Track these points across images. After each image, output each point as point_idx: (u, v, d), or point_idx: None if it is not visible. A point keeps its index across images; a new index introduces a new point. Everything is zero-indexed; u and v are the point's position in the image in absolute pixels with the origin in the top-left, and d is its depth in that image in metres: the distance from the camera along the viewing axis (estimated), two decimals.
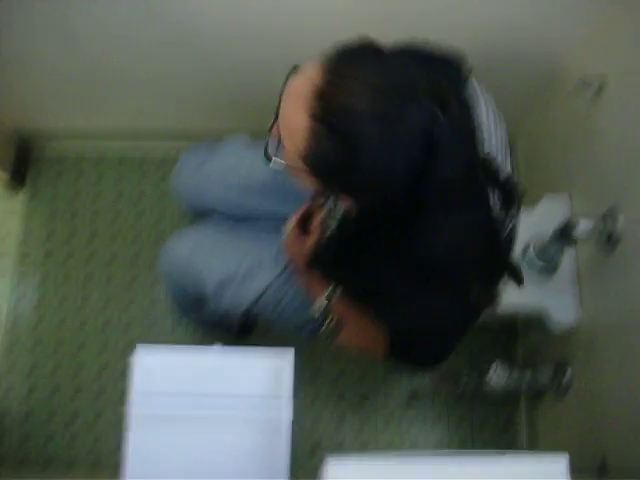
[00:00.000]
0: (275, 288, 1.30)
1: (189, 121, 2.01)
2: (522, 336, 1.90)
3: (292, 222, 1.18)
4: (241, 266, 1.31)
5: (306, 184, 0.87)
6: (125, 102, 1.91)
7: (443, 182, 0.83)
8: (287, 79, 0.82)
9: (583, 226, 1.31)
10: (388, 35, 0.95)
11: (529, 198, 1.76)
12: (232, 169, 1.39)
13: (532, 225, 1.53)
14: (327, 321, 1.28)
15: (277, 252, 1.27)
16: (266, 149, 0.87)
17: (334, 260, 1.10)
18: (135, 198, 2.11)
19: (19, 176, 2.09)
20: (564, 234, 1.36)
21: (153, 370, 0.83)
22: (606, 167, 1.40)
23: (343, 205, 0.91)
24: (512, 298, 1.49)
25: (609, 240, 1.30)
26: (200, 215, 1.50)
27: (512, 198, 0.96)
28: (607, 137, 1.40)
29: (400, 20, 1.39)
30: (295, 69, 0.83)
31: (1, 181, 2.04)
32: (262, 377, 0.86)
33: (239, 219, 1.40)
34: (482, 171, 0.91)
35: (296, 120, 0.77)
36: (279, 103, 0.83)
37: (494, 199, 0.92)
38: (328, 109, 0.74)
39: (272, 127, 0.86)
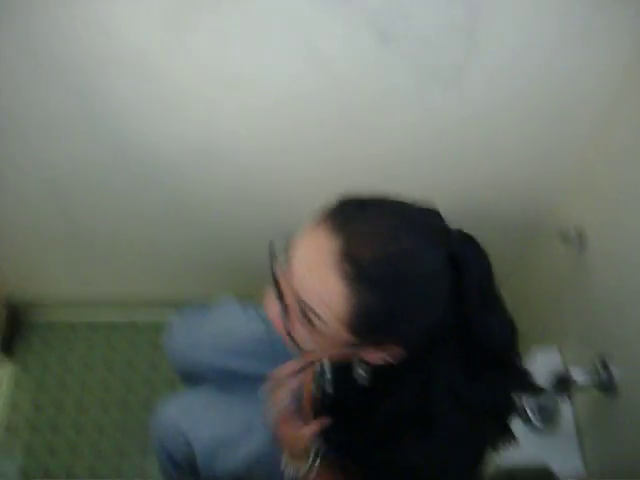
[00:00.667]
0: (267, 450, 1.26)
1: (180, 287, 2.03)
2: None
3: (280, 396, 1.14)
4: (231, 430, 1.28)
5: (335, 357, 0.86)
6: (114, 270, 1.94)
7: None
8: (271, 255, 0.83)
9: (579, 378, 1.30)
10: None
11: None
12: (223, 334, 1.40)
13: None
14: None
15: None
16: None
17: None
18: (126, 365, 2.09)
19: (8, 345, 2.08)
20: (559, 387, 1.34)
21: None
22: (594, 317, 1.41)
23: (375, 360, 0.89)
24: (513, 458, 1.46)
25: (605, 390, 1.28)
26: (191, 381, 1.48)
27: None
28: (593, 288, 1.42)
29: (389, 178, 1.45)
30: (272, 245, 0.84)
31: None
32: None
33: (229, 384, 1.39)
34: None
35: (331, 290, 0.76)
36: (277, 287, 0.83)
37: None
38: (362, 267, 0.75)
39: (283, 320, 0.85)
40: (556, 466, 1.44)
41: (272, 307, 0.86)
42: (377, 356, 0.86)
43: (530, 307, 1.83)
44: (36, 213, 1.67)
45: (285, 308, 0.84)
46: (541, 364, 1.53)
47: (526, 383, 0.96)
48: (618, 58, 1.17)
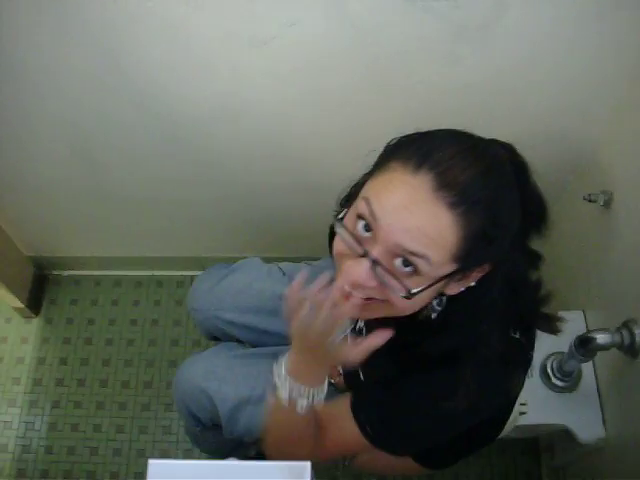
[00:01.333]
0: None
1: (204, 245, 2.05)
2: (545, 457, 1.84)
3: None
4: (254, 390, 1.28)
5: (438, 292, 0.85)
6: (140, 228, 1.96)
7: None
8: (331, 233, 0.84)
9: (601, 339, 1.30)
10: None
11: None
12: (244, 291, 1.40)
13: (548, 343, 1.52)
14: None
15: None
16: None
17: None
18: (149, 324, 2.12)
19: (35, 303, 2.12)
20: (581, 349, 1.34)
21: None
22: (619, 280, 1.41)
23: (455, 289, 0.86)
24: (533, 417, 1.47)
25: (628, 352, 1.28)
26: (214, 337, 1.50)
27: None
28: (617, 251, 1.41)
29: None
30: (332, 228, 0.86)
31: (17, 308, 2.07)
32: None
33: (252, 343, 1.40)
34: None
35: (438, 223, 0.75)
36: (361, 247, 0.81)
37: None
38: (460, 190, 0.75)
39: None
40: (576, 426, 1.45)
41: (358, 272, 0.80)
42: (461, 284, 0.85)
43: (557, 271, 1.82)
44: (62, 171, 1.68)
45: (378, 267, 0.79)
46: (565, 326, 1.53)
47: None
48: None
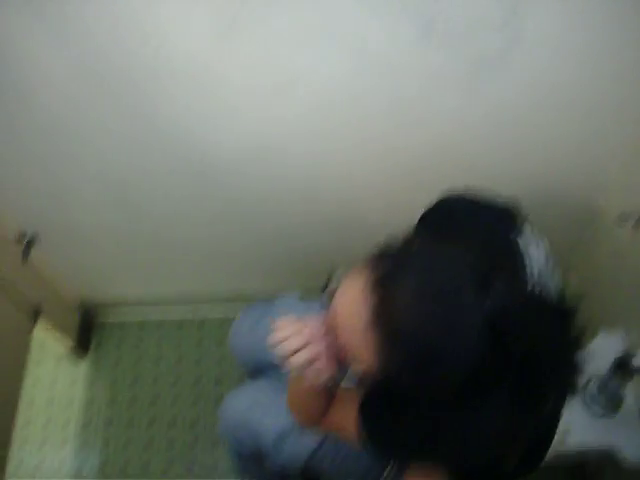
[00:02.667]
0: (331, 440, 1.30)
1: (245, 283, 2.09)
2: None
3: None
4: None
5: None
6: (181, 269, 2.01)
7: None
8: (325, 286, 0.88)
9: (638, 360, 1.29)
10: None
11: (586, 333, 1.75)
12: None
13: (588, 365, 1.51)
14: (388, 469, 1.27)
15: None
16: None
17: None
18: (194, 361, 2.16)
19: (83, 343, 2.18)
20: (622, 368, 1.34)
21: None
22: None
23: None
24: (578, 438, 1.45)
25: None
26: (256, 375, 1.53)
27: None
28: None
29: (455, 170, 1.48)
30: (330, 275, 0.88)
31: (66, 349, 2.13)
32: None
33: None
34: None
35: (363, 347, 0.79)
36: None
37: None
38: (393, 331, 0.76)
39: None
40: (622, 447, 1.43)
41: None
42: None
43: (595, 291, 1.81)
44: (105, 219, 1.75)
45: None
46: (606, 347, 1.52)
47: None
48: None
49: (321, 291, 0.90)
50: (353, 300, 0.80)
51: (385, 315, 0.76)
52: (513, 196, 1.07)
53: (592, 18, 1.12)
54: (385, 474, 1.30)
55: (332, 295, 0.85)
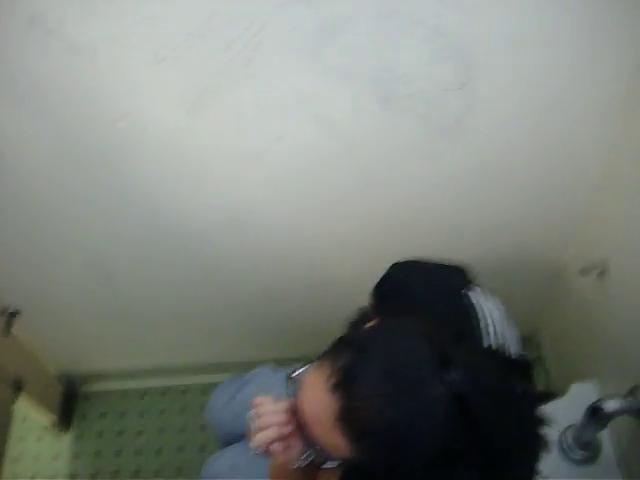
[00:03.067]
0: None
1: (224, 350, 2.11)
2: None
3: None
4: None
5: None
6: (160, 340, 2.03)
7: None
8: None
9: (610, 406, 1.31)
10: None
11: (561, 388, 1.77)
12: None
13: (564, 416, 1.53)
14: None
15: None
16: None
17: None
18: (178, 429, 2.16)
19: (66, 416, 2.17)
20: (593, 417, 1.35)
21: None
22: (624, 347, 1.43)
23: None
24: None
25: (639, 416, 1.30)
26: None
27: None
28: (617, 318, 1.44)
29: (406, 239, 1.53)
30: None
31: (49, 422, 2.11)
32: None
33: None
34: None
35: (334, 442, 0.80)
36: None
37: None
38: (360, 429, 0.77)
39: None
40: None
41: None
42: None
43: (569, 342, 1.85)
44: (82, 290, 1.77)
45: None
46: (580, 397, 1.54)
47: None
48: (617, 88, 1.21)
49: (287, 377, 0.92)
50: (317, 400, 0.82)
51: (350, 413, 0.78)
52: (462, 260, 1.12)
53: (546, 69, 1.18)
54: None
55: (294, 382, 0.89)
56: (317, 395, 0.81)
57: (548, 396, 1.02)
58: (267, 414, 0.97)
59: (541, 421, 0.99)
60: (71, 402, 2.22)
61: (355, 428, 0.77)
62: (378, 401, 0.76)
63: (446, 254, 1.17)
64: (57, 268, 1.68)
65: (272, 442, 0.94)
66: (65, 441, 2.16)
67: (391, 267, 1.11)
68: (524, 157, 1.37)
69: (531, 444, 0.94)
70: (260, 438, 0.95)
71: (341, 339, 0.87)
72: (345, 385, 0.78)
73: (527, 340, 2.04)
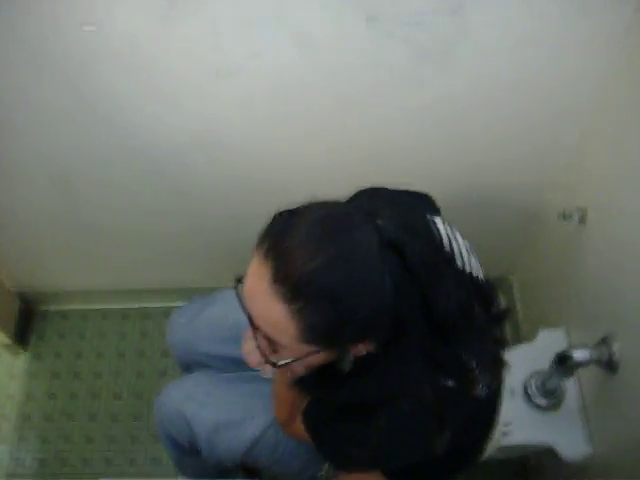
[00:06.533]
0: (268, 436, 1.29)
1: (186, 275, 2.06)
2: (535, 477, 1.81)
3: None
4: (233, 415, 1.30)
5: (317, 363, 0.87)
6: (122, 260, 1.97)
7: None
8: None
9: (578, 355, 1.30)
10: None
11: (528, 334, 1.76)
12: (219, 322, 1.41)
13: (530, 361, 1.52)
14: (325, 466, 1.26)
15: (269, 399, 1.26)
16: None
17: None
18: (138, 353, 2.12)
19: (22, 338, 2.12)
20: (561, 365, 1.34)
21: None
22: (596, 296, 1.41)
23: (354, 353, 0.89)
24: (517, 437, 1.46)
25: (607, 367, 1.28)
26: (193, 368, 1.50)
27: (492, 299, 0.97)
28: (593, 267, 1.42)
29: (382, 169, 1.46)
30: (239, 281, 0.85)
31: (4, 344, 2.07)
32: None
33: (230, 369, 1.40)
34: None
35: (275, 314, 0.77)
36: (249, 318, 0.84)
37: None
38: (294, 285, 0.75)
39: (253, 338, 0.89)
40: (561, 445, 1.44)
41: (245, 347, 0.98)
42: (353, 350, 0.86)
43: (540, 288, 1.83)
44: (43, 207, 1.69)
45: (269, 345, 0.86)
46: (547, 345, 1.53)
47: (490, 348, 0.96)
48: (617, 29, 1.15)
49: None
50: (253, 275, 0.79)
51: (282, 268, 0.75)
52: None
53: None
54: (323, 472, 1.29)
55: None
56: (253, 271, 0.79)
57: (505, 313, 1.01)
58: (248, 338, 0.97)
59: (502, 342, 0.98)
60: (29, 321, 2.17)
61: (289, 284, 0.75)
62: (306, 249, 0.75)
63: (423, 188, 1.13)
64: (19, 182, 1.60)
65: (258, 364, 0.94)
66: (22, 360, 2.12)
67: (356, 192, 1.10)
68: (512, 91, 1.30)
69: (480, 352, 0.92)
70: (248, 364, 0.97)
71: (274, 215, 0.83)
72: (276, 245, 0.77)
73: (498, 283, 2.02)
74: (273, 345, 0.84)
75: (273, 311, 0.77)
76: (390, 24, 1.13)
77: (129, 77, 1.26)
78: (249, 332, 0.88)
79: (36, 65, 1.23)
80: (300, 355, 0.83)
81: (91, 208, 1.70)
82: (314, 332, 0.78)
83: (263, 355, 0.87)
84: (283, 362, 0.85)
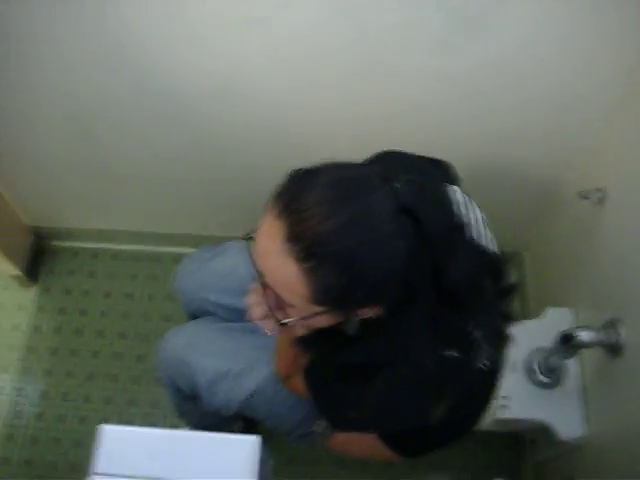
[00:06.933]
0: (267, 388, 1.29)
1: (199, 223, 2.06)
2: (529, 452, 1.83)
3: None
4: (234, 365, 1.31)
5: (323, 324, 0.87)
6: (138, 203, 1.97)
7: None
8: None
9: (583, 336, 1.30)
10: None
11: (537, 311, 1.75)
12: (228, 273, 1.41)
13: (535, 338, 1.52)
14: (316, 424, 1.27)
15: (271, 353, 1.26)
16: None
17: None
18: (145, 297, 2.14)
19: (33, 272, 2.14)
20: (565, 344, 1.33)
21: (117, 451, 0.81)
22: (608, 278, 1.40)
23: (362, 316, 0.89)
24: (514, 412, 1.47)
25: (612, 350, 1.28)
26: (199, 314, 1.51)
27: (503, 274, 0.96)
28: (608, 249, 1.40)
29: (403, 132, 1.44)
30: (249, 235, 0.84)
31: (15, 276, 2.09)
32: (228, 464, 0.84)
33: (234, 320, 1.41)
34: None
35: (286, 273, 0.77)
36: (259, 275, 0.83)
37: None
38: (308, 244, 0.74)
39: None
40: (557, 423, 1.44)
41: (251, 299, 0.95)
42: (361, 313, 0.86)
43: (552, 266, 1.82)
44: (60, 145, 1.69)
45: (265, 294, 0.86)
46: (554, 322, 1.53)
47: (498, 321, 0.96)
48: None
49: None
50: (267, 229, 0.78)
51: (296, 227, 0.75)
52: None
53: None
54: (319, 427, 1.31)
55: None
56: (266, 229, 0.78)
57: (514, 288, 1.00)
58: (253, 292, 0.96)
59: (508, 317, 0.97)
60: (40, 255, 2.18)
61: (303, 243, 0.74)
62: (322, 209, 0.74)
63: (445, 156, 1.11)
64: (38, 118, 1.59)
65: (263, 319, 0.93)
66: (31, 293, 2.14)
67: (375, 154, 1.09)
68: (542, 67, 1.28)
69: (486, 323, 0.91)
70: (250, 317, 0.95)
71: (289, 173, 0.82)
72: (291, 204, 0.76)
73: (510, 258, 2.01)
74: (281, 303, 0.84)
75: (285, 269, 0.76)
76: None
77: (156, 14, 1.24)
78: (256, 286, 0.88)
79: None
80: (307, 315, 0.83)
81: (106, 151, 1.70)
82: (325, 292, 0.77)
83: (269, 311, 0.87)
84: (288, 320, 0.85)
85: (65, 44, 1.33)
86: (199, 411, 1.48)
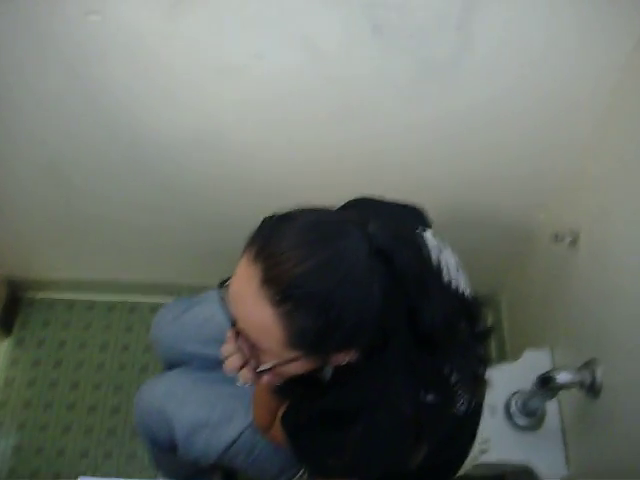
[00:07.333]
0: (246, 438, 1.28)
1: (175, 272, 2.05)
2: None
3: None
4: (212, 414, 1.29)
5: (299, 370, 0.86)
6: (112, 253, 1.96)
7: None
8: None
9: (561, 378, 1.30)
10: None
11: (514, 353, 1.76)
12: (206, 321, 1.41)
13: (513, 381, 1.53)
14: (301, 471, 1.26)
15: (249, 402, 1.25)
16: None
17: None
18: (122, 346, 2.11)
19: (7, 324, 2.11)
20: (544, 387, 1.34)
21: None
22: (584, 319, 1.41)
23: (338, 362, 0.89)
24: (495, 455, 1.46)
25: (590, 391, 1.28)
26: (176, 365, 1.49)
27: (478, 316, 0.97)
28: (583, 290, 1.42)
29: (373, 180, 1.46)
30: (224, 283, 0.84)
31: None
32: None
33: (213, 369, 1.40)
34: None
35: (262, 317, 0.77)
36: (233, 324, 0.84)
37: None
38: (284, 287, 0.74)
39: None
40: (539, 464, 1.44)
41: (229, 343, 0.92)
42: (336, 358, 0.86)
43: (528, 308, 1.83)
44: (36, 195, 1.69)
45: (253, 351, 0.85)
46: (531, 365, 1.53)
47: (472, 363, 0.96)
48: (617, 57, 1.16)
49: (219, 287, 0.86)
50: (241, 274, 0.78)
51: (271, 271, 0.75)
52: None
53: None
54: (298, 476, 1.29)
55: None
56: (241, 273, 0.78)
57: (490, 331, 1.02)
58: (228, 342, 0.94)
59: (485, 360, 0.98)
60: (15, 307, 2.15)
61: (279, 286, 0.74)
62: (297, 252, 0.75)
63: (417, 201, 1.13)
64: (10, 169, 1.59)
65: (239, 369, 0.91)
66: (4, 346, 2.10)
67: (348, 201, 1.10)
68: (512, 111, 1.31)
69: (462, 365, 0.92)
70: (226, 368, 0.93)
71: (264, 219, 0.83)
72: (266, 248, 0.77)
73: (486, 301, 2.02)
74: (255, 349, 0.83)
75: (260, 313, 0.76)
76: (395, 35, 1.13)
77: (130, 69, 1.26)
78: (231, 333, 0.88)
79: (39, 49, 1.23)
80: (282, 361, 0.82)
81: (82, 197, 1.69)
82: (301, 336, 0.77)
83: (244, 359, 0.87)
84: (263, 368, 0.84)
85: (40, 92, 1.34)
86: (177, 462, 1.45)
